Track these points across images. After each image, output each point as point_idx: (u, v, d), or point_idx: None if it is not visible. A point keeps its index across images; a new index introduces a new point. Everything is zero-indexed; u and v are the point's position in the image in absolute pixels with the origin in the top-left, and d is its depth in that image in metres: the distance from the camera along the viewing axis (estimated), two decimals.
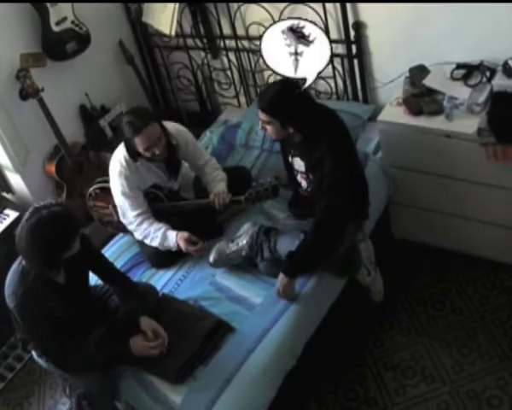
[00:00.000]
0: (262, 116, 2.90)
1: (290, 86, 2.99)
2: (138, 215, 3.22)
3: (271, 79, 4.14)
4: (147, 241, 3.23)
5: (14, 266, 2.68)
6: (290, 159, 3.10)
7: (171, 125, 3.31)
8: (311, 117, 2.88)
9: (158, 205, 3.30)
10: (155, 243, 3.20)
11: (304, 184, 3.07)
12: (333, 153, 2.82)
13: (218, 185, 3.29)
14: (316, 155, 2.87)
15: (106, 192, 3.42)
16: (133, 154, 3.15)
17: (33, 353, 3.07)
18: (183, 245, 3.13)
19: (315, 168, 2.91)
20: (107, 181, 3.35)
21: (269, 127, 2.90)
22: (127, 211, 3.23)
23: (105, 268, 3.01)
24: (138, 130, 3.03)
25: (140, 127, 3.03)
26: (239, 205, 3.25)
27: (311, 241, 2.87)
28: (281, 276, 2.87)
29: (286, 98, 2.85)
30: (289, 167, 3.16)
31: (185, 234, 3.14)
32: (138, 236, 3.26)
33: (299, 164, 3.04)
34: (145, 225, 3.22)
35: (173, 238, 3.15)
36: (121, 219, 3.29)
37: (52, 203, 2.55)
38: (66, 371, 2.81)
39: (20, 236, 2.51)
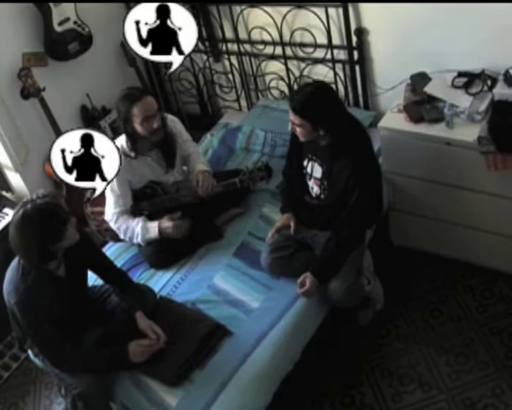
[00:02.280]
0: (293, 118, 2.83)
1: (323, 88, 2.90)
2: (115, 213, 3.28)
3: (273, 84, 4.17)
4: (133, 240, 3.28)
5: (14, 263, 2.67)
6: (306, 162, 3.05)
7: (164, 114, 3.37)
8: (342, 122, 2.85)
9: (156, 200, 3.31)
10: (138, 239, 3.25)
11: (316, 190, 3.03)
12: (362, 173, 2.82)
13: (198, 166, 3.37)
14: (338, 164, 2.86)
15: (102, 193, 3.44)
16: (131, 135, 3.17)
17: (30, 352, 3.06)
18: (169, 224, 3.19)
19: (333, 178, 2.90)
20: None
21: (299, 129, 2.84)
22: (109, 207, 3.28)
23: (105, 266, 3.01)
24: (136, 99, 3.07)
25: (137, 97, 3.09)
26: (234, 187, 3.33)
27: (338, 254, 2.94)
28: (313, 280, 2.90)
29: (319, 101, 2.79)
30: (297, 171, 3.12)
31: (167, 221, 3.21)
32: (123, 236, 3.31)
33: (316, 169, 3.00)
34: (120, 222, 3.28)
35: (155, 227, 3.21)
36: (105, 216, 3.34)
37: (38, 196, 2.54)
38: (63, 369, 2.80)
39: (11, 233, 2.52)
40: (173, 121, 3.45)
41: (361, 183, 2.82)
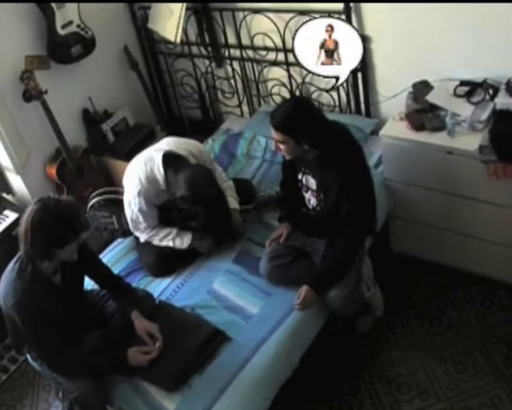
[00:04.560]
0: (275, 135, 2.83)
1: (302, 103, 2.95)
2: (149, 227, 3.25)
3: (275, 90, 4.17)
4: (154, 240, 3.25)
5: (10, 266, 2.67)
6: (300, 176, 3.05)
7: (193, 146, 3.30)
8: (325, 134, 2.84)
9: (167, 215, 3.30)
10: (167, 239, 3.24)
11: (313, 201, 3.04)
12: (350, 184, 2.81)
13: (230, 202, 3.34)
14: (330, 175, 2.85)
15: (111, 204, 3.46)
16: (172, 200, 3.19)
17: (28, 356, 3.05)
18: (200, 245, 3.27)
19: (327, 188, 2.90)
20: (112, 192, 3.38)
21: (283, 146, 2.84)
22: (140, 224, 3.24)
23: (102, 273, 3.00)
24: (189, 201, 3.06)
25: (191, 203, 3.09)
26: (246, 210, 3.38)
27: (334, 267, 2.93)
28: (309, 291, 2.88)
29: (299, 115, 2.78)
30: (293, 184, 3.12)
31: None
32: (147, 238, 3.27)
33: (310, 182, 3.00)
34: (156, 230, 3.26)
35: (189, 238, 3.23)
36: (132, 229, 3.30)
37: (61, 198, 2.61)
38: (60, 373, 2.80)
39: (25, 217, 2.53)
40: (203, 153, 3.37)
41: (350, 194, 2.81)
